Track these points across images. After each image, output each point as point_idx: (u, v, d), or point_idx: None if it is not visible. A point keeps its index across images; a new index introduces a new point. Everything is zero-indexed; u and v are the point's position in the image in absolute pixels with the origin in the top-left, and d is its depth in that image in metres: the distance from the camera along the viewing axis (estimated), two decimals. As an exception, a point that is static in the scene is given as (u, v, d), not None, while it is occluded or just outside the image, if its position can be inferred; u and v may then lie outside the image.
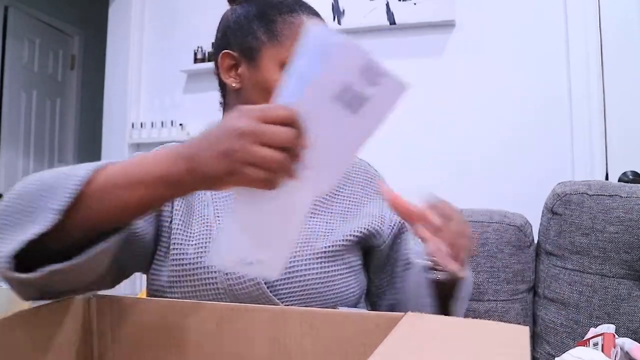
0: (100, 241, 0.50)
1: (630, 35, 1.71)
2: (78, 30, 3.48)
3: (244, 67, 0.73)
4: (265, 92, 0.70)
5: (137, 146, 2.63)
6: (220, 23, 0.78)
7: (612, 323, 1.03)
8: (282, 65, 0.70)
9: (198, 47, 2.47)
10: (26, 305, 0.56)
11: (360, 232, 0.74)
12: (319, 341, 0.47)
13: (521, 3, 1.86)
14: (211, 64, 2.79)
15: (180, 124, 2.50)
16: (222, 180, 0.44)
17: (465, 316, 0.74)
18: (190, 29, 2.53)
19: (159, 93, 2.64)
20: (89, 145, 3.47)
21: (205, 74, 2.48)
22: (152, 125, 2.56)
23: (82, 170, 0.49)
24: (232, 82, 0.73)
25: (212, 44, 0.79)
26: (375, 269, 0.79)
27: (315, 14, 0.75)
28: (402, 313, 0.43)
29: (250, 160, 0.42)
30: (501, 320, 0.73)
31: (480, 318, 0.58)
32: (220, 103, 0.81)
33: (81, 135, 3.53)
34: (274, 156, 0.42)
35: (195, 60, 2.47)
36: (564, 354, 0.54)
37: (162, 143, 0.73)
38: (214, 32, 0.82)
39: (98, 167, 0.50)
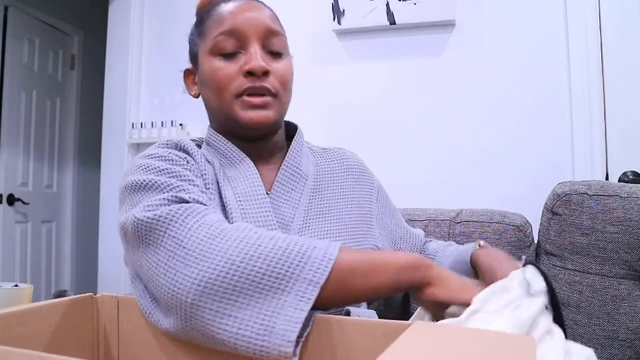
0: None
1: (630, 35, 1.71)
2: (78, 30, 3.48)
3: (197, 75, 0.78)
4: (207, 84, 0.73)
5: (137, 146, 2.63)
6: None
7: (612, 323, 1.04)
8: (211, 52, 0.72)
9: (198, 47, 2.47)
10: (26, 302, 0.56)
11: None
12: (326, 347, 0.47)
13: (521, 3, 1.86)
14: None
15: (180, 124, 2.50)
16: (449, 301, 0.52)
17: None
18: (190, 29, 2.53)
19: (158, 93, 2.64)
20: (89, 145, 3.47)
21: (205, 74, 2.49)
22: (152, 125, 2.56)
23: (324, 243, 0.51)
24: (192, 91, 0.79)
25: None
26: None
27: None
28: (410, 322, 0.43)
29: None
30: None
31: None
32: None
33: (81, 135, 3.53)
34: None
35: (195, 60, 2.47)
36: None
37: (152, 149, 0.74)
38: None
39: (339, 245, 0.51)
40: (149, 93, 2.66)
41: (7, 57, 2.88)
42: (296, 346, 0.45)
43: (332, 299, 0.49)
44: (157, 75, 2.64)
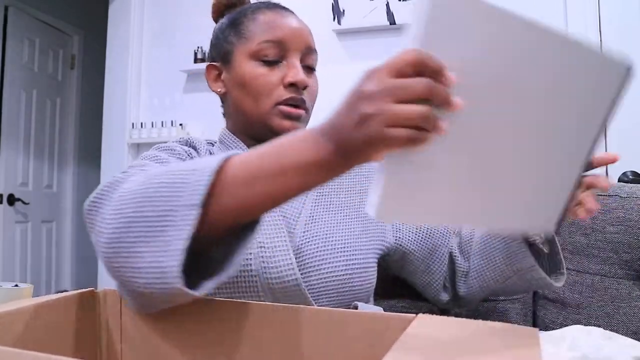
0: (239, 240, 0.47)
1: (630, 35, 1.71)
2: (78, 30, 3.48)
3: (225, 73, 0.78)
4: (243, 87, 0.75)
5: (137, 146, 2.63)
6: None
7: (611, 323, 1.04)
8: (252, 56, 0.74)
9: (198, 47, 2.47)
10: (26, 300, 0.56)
11: (381, 248, 0.80)
12: (329, 341, 0.47)
13: (521, 3, 1.85)
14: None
15: (180, 124, 2.50)
16: (367, 153, 0.40)
17: (466, 316, 0.73)
18: (190, 29, 2.53)
19: (158, 93, 2.64)
20: (89, 145, 3.47)
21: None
22: (152, 125, 2.56)
23: (207, 162, 0.46)
24: (217, 88, 0.79)
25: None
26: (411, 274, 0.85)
27: (279, 6, 0.79)
28: (413, 315, 0.43)
29: (388, 121, 0.37)
30: (501, 321, 0.73)
31: (481, 318, 0.58)
32: (223, 114, 0.85)
33: (81, 135, 3.53)
34: (413, 110, 0.37)
35: (195, 60, 2.48)
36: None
37: (162, 143, 0.75)
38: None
39: (224, 157, 0.46)
40: (149, 93, 2.66)
41: (7, 57, 2.88)
42: (195, 287, 0.43)
43: (224, 214, 0.45)
44: (157, 75, 2.65)
